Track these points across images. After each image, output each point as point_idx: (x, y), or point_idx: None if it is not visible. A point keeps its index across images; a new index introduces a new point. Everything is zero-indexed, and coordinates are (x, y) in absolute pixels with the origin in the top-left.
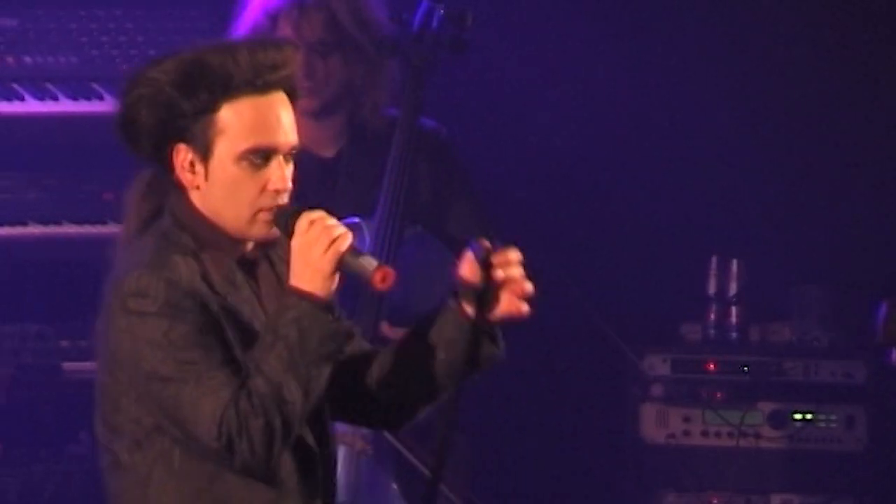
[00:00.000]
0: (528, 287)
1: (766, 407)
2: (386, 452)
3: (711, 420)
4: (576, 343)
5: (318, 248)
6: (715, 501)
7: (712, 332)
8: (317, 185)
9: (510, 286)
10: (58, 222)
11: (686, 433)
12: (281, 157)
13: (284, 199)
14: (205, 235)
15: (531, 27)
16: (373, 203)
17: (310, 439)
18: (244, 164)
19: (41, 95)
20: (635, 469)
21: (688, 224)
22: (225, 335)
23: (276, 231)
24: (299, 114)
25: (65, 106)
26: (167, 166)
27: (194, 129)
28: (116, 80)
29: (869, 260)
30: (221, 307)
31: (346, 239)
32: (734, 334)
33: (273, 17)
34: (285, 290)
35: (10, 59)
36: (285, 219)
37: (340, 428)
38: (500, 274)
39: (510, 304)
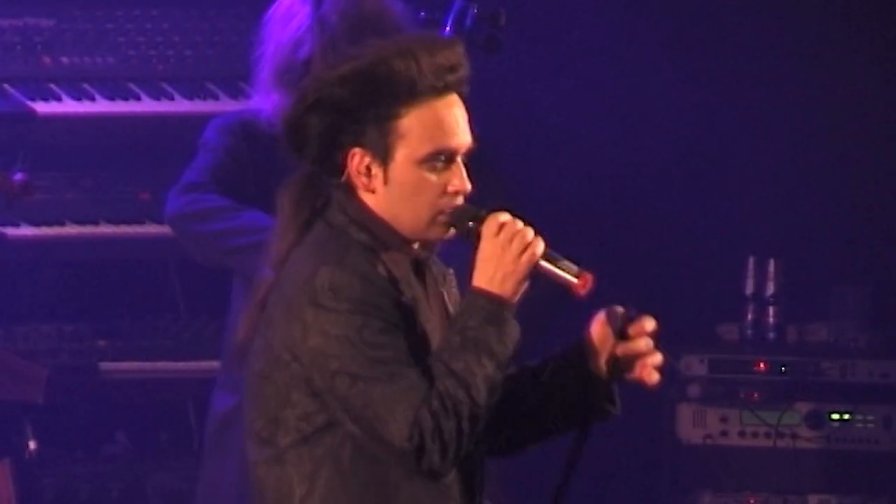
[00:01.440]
0: (660, 358)
1: (804, 407)
2: None
3: (748, 420)
4: None
5: (513, 252)
6: (752, 502)
7: (749, 332)
8: None
9: (643, 356)
10: (95, 222)
11: (723, 433)
12: (459, 159)
13: (461, 199)
14: (381, 236)
15: (565, 26)
16: None
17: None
18: (426, 167)
19: (78, 96)
20: (672, 469)
21: (725, 224)
22: (411, 334)
23: (452, 232)
24: None
25: (102, 106)
26: (333, 169)
27: (372, 133)
28: (153, 81)
29: None
30: (406, 306)
31: (541, 243)
32: (771, 334)
33: (306, 63)
34: (473, 292)
35: (47, 60)
36: (466, 220)
37: None
38: (639, 345)
39: (642, 371)
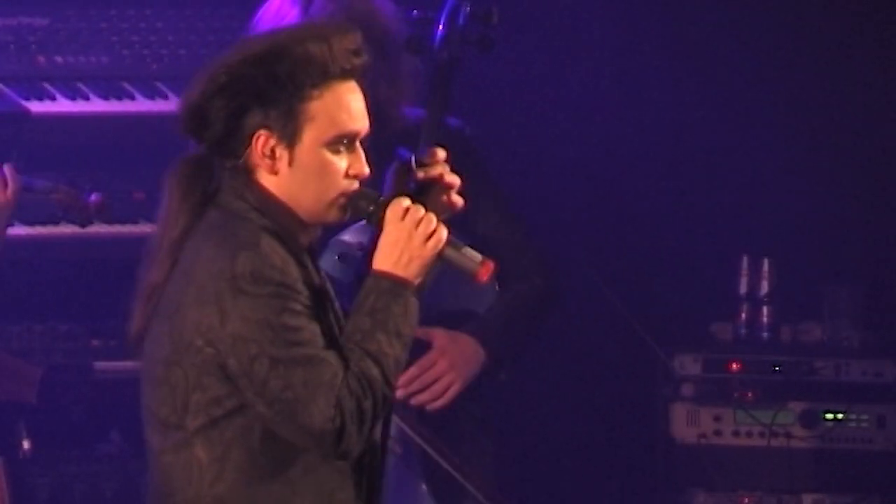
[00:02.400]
0: (455, 179)
1: (797, 406)
2: (414, 453)
3: (742, 420)
4: (607, 342)
5: (419, 237)
6: (746, 501)
7: (743, 331)
8: None
9: (440, 182)
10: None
11: (717, 433)
12: (358, 143)
13: (358, 184)
14: (282, 220)
15: (557, 25)
16: None
17: (375, 430)
18: (331, 149)
19: (72, 95)
20: (666, 468)
21: (719, 223)
22: (323, 317)
23: (346, 215)
24: None
25: (96, 105)
26: (230, 152)
27: (280, 115)
28: (147, 80)
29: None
30: (316, 290)
31: (445, 230)
32: (765, 334)
33: None
34: (377, 275)
35: (41, 59)
36: (366, 204)
37: None
38: (435, 171)
39: (445, 200)
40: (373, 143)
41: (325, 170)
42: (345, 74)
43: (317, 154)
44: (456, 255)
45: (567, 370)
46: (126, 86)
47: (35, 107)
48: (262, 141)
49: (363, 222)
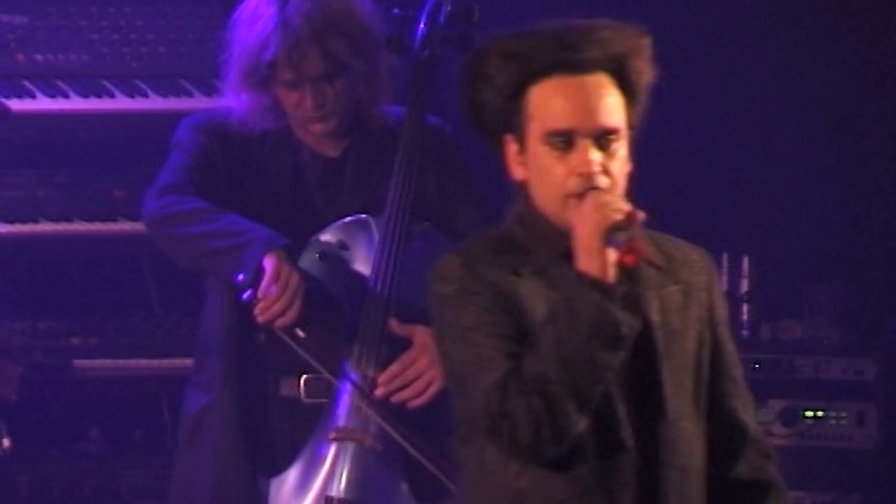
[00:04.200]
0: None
1: (777, 404)
2: (395, 451)
3: None
4: None
5: (587, 224)
6: None
7: None
8: (324, 185)
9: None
10: (68, 220)
11: None
12: (587, 141)
13: (599, 182)
14: (534, 226)
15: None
16: (380, 200)
17: (623, 431)
18: (548, 148)
19: (52, 93)
20: None
21: (698, 221)
22: (520, 322)
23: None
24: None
25: (75, 103)
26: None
27: (512, 117)
28: (127, 78)
29: (879, 258)
30: (517, 295)
31: (611, 215)
32: (745, 332)
33: (271, 65)
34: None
35: (20, 57)
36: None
37: (350, 423)
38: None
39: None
40: (352, 141)
41: (545, 169)
42: (567, 68)
43: (538, 152)
44: (612, 238)
45: None
46: (106, 84)
47: (15, 105)
48: (509, 146)
49: (343, 220)
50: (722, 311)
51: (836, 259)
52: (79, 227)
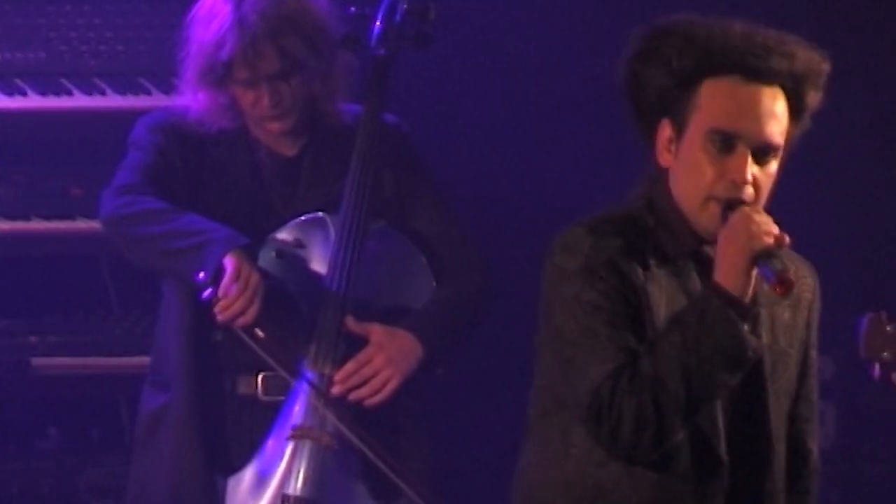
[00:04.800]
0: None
1: None
2: (352, 450)
3: None
4: None
5: (736, 242)
6: None
7: None
8: (281, 184)
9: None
10: (26, 218)
11: None
12: (747, 150)
13: (746, 194)
14: (666, 218)
15: (494, 20)
16: (337, 199)
17: (721, 446)
18: (707, 145)
19: (9, 91)
20: None
21: None
22: (641, 316)
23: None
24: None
25: (33, 101)
26: (652, 147)
27: (677, 103)
28: (85, 76)
29: (838, 257)
30: (643, 288)
31: (765, 237)
32: None
33: (227, 64)
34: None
35: None
36: (727, 211)
37: (307, 421)
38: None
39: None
40: (309, 139)
41: (697, 165)
42: (746, 72)
43: (695, 146)
44: (762, 263)
45: (505, 368)
46: (64, 82)
47: None
48: (665, 131)
49: (300, 219)
50: (816, 333)
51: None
52: (36, 225)
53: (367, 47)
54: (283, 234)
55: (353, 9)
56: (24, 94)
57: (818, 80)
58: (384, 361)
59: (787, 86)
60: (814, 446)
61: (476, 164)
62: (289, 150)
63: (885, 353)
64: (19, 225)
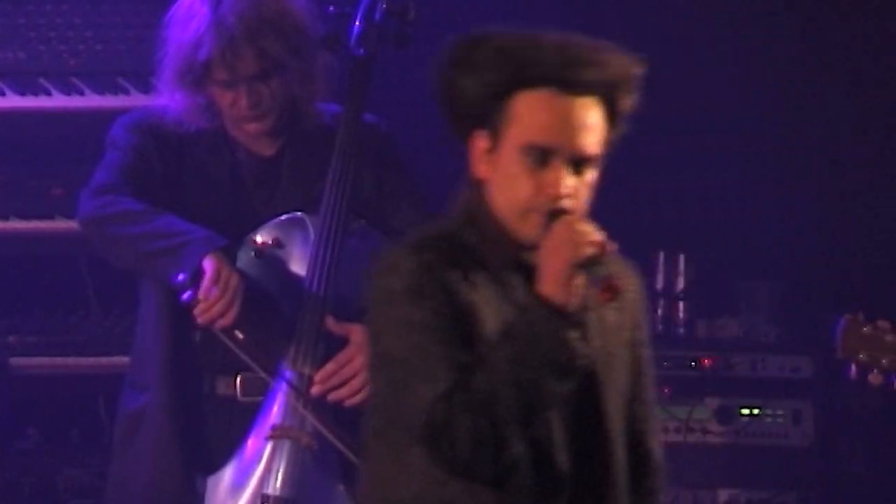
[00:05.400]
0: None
1: (713, 402)
2: (331, 450)
3: (658, 415)
4: None
5: (560, 252)
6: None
7: (659, 327)
8: (260, 183)
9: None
10: (5, 218)
11: None
12: (564, 162)
13: (566, 204)
14: (488, 230)
15: (472, 20)
16: (316, 199)
17: (561, 457)
18: (523, 158)
19: None
20: None
21: (635, 218)
22: (469, 330)
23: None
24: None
25: (12, 101)
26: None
27: (491, 115)
28: (64, 76)
29: (817, 255)
30: (470, 302)
31: (588, 246)
32: (681, 329)
33: (206, 64)
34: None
35: None
36: (550, 222)
37: (286, 421)
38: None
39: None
40: (288, 139)
41: (515, 178)
42: (562, 85)
43: (511, 159)
44: (588, 272)
45: None
46: (42, 81)
47: None
48: (479, 142)
49: (279, 219)
50: (645, 332)
51: (773, 257)
52: (16, 225)
53: (346, 47)
54: (262, 234)
55: (332, 8)
56: (2, 93)
57: (632, 85)
58: (364, 362)
59: (601, 94)
60: (654, 445)
61: (456, 163)
62: (267, 149)
63: (862, 354)
64: None
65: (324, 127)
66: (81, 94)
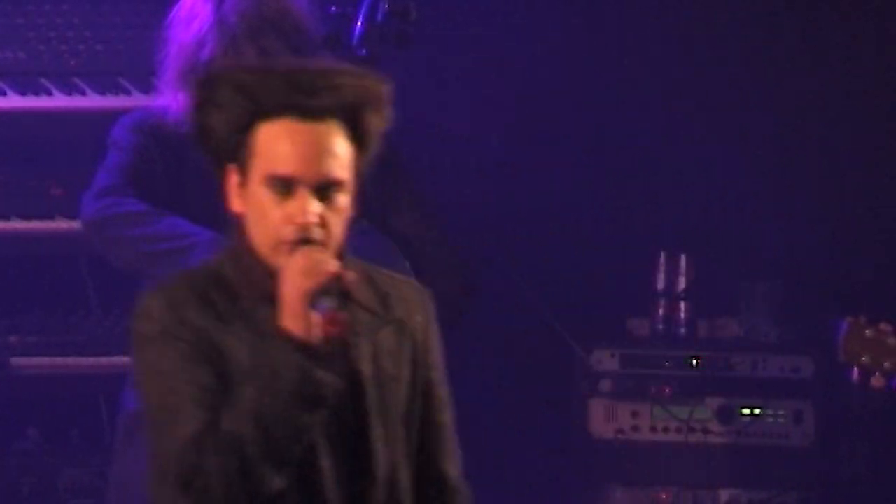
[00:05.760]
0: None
1: (714, 402)
2: None
3: (659, 415)
4: (525, 338)
5: (295, 283)
6: (663, 496)
7: (660, 327)
8: None
9: None
10: (6, 218)
11: (634, 428)
12: (308, 190)
13: (313, 235)
14: (245, 264)
15: (475, 20)
16: None
17: (327, 489)
18: (268, 190)
19: None
20: (584, 464)
21: (636, 219)
22: (223, 370)
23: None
24: None
25: (13, 101)
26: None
27: (237, 150)
28: (64, 76)
29: (817, 255)
30: (221, 341)
31: (315, 277)
32: (682, 329)
33: (208, 65)
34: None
35: None
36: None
37: None
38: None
39: None
40: None
41: (263, 210)
42: (296, 112)
43: (258, 192)
44: (316, 302)
45: (485, 367)
46: (43, 81)
47: None
48: (232, 177)
49: None
50: (436, 355)
51: (774, 257)
52: (16, 225)
53: (348, 47)
54: None
55: (334, 8)
56: (3, 94)
57: (374, 104)
58: None
59: (342, 117)
60: (448, 468)
61: (458, 164)
62: None
63: (864, 358)
64: None
65: None
66: (83, 94)
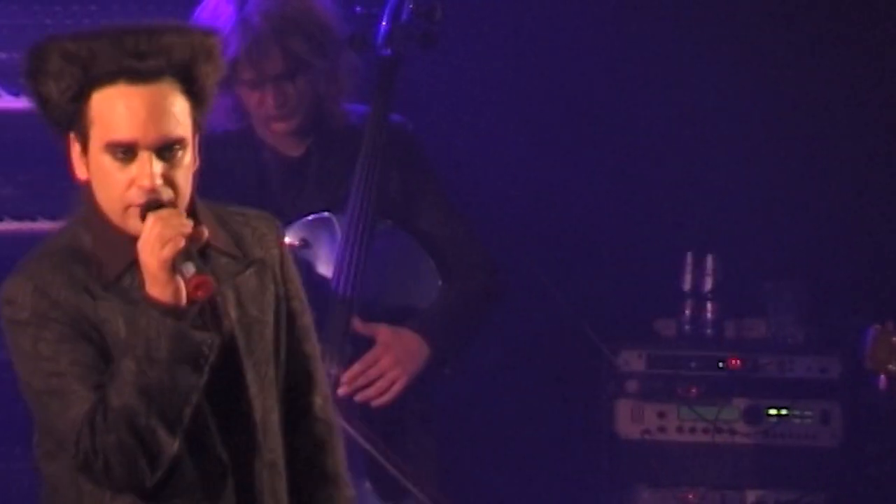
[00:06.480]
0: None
1: (741, 403)
2: (359, 450)
3: (686, 416)
4: (551, 339)
5: (153, 251)
6: (689, 497)
7: (687, 327)
8: (287, 184)
9: None
10: (32, 218)
11: (661, 429)
12: (149, 152)
13: (161, 195)
14: (101, 233)
15: (500, 21)
16: (343, 199)
17: (217, 445)
18: (109, 157)
19: (15, 91)
20: (610, 465)
21: (663, 219)
22: (100, 345)
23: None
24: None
25: (7, 102)
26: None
27: (74, 119)
28: None
29: (844, 256)
30: (97, 318)
31: (172, 243)
32: (709, 330)
33: (232, 65)
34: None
35: None
36: (144, 217)
37: None
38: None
39: None
40: (315, 139)
41: (107, 177)
42: (128, 77)
43: (100, 160)
44: (178, 268)
45: (511, 367)
46: None
47: None
48: (73, 145)
49: (306, 219)
50: (295, 284)
51: (800, 257)
52: (43, 225)
53: (373, 47)
54: (290, 235)
55: (359, 9)
56: (17, 94)
57: (207, 58)
58: (391, 362)
59: (175, 75)
60: (314, 398)
61: (483, 163)
62: (295, 150)
63: (892, 364)
64: (25, 225)
65: (350, 127)
66: None
